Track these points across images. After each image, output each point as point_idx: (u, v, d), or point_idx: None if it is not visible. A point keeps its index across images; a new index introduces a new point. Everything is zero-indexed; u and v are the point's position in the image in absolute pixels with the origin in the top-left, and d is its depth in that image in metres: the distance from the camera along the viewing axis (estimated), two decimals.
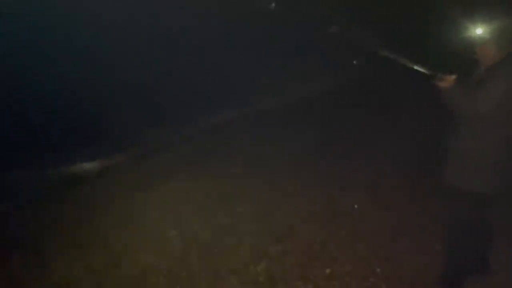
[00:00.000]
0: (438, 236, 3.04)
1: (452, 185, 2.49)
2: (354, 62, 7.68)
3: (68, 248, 3.31)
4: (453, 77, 2.31)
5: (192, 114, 6.38)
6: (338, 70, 8.11)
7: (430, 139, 3.03)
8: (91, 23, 6.45)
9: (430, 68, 2.38)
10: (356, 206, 3.80)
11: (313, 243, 3.26)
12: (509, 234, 3.16)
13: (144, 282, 2.88)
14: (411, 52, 2.48)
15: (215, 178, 4.52)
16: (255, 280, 2.89)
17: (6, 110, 5.50)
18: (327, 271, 2.95)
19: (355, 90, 7.40)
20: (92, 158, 5.03)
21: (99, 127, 5.63)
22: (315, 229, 3.45)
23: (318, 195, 4.02)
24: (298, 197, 4.00)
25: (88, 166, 4.94)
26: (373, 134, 5.50)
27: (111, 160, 5.09)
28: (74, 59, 6.39)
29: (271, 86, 7.35)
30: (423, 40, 7.04)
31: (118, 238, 3.39)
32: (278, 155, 5.04)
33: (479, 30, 2.32)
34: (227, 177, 4.53)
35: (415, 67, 2.41)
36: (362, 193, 4.02)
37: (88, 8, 6.64)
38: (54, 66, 6.20)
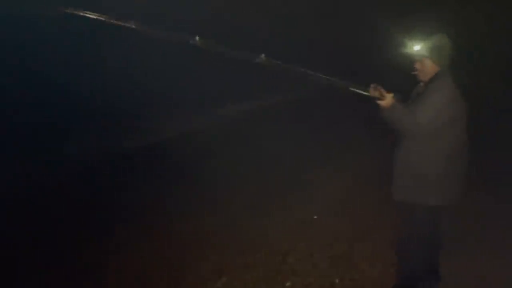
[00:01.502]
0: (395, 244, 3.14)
1: (397, 198, 2.60)
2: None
3: None
4: (391, 94, 2.42)
5: None
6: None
7: (381, 152, 3.16)
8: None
9: (366, 88, 2.46)
10: (315, 216, 3.89)
11: (274, 256, 3.32)
12: (457, 244, 3.32)
13: None
14: (349, 71, 2.54)
15: None
16: None
17: None
18: (288, 284, 3.01)
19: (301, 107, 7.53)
20: None
21: None
22: (276, 242, 3.51)
23: (279, 206, 4.09)
24: (260, 209, 4.04)
25: None
26: (326, 149, 5.59)
27: None
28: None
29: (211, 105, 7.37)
30: (362, 57, 7.30)
31: None
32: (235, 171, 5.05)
33: (416, 47, 2.42)
34: None
35: (352, 89, 2.49)
36: (321, 203, 4.12)
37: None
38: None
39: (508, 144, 5.27)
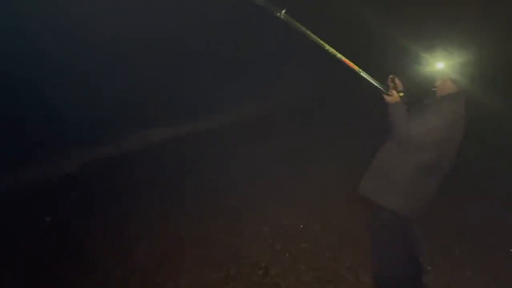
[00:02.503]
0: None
1: (362, 192, 2.57)
2: None
3: None
4: (400, 94, 2.38)
5: None
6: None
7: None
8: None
9: (386, 89, 2.41)
10: (301, 226, 3.79)
11: (256, 268, 3.21)
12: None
13: None
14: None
15: None
16: None
17: None
18: None
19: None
20: None
21: None
22: (258, 253, 3.40)
23: (261, 217, 3.98)
24: (241, 221, 3.93)
25: None
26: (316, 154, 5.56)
27: None
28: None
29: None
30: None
31: None
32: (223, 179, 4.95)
33: (440, 65, 2.37)
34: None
35: (376, 84, 2.42)
36: (305, 213, 4.03)
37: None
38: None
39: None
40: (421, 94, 2.53)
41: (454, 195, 4.12)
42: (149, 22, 6.38)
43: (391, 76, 2.44)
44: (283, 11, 2.35)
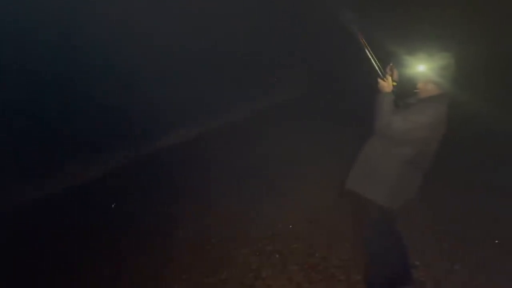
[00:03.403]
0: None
1: (348, 187, 2.63)
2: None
3: None
4: (394, 83, 2.43)
5: None
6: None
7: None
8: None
9: (384, 75, 2.44)
10: (291, 226, 3.80)
11: (247, 271, 3.21)
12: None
13: None
14: None
15: None
16: None
17: None
18: None
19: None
20: None
21: None
22: (249, 255, 3.40)
23: (252, 218, 3.98)
24: (232, 223, 3.93)
25: None
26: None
27: None
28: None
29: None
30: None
31: None
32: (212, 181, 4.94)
33: (421, 67, 2.38)
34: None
35: (376, 66, 2.44)
36: (294, 213, 4.04)
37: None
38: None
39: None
40: (403, 94, 2.56)
41: (440, 189, 4.18)
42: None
43: (391, 64, 2.47)
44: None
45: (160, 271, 3.29)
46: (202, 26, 7.09)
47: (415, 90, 2.47)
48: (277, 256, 3.38)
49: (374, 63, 2.43)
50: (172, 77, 6.56)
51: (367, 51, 2.43)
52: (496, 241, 3.48)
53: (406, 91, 2.50)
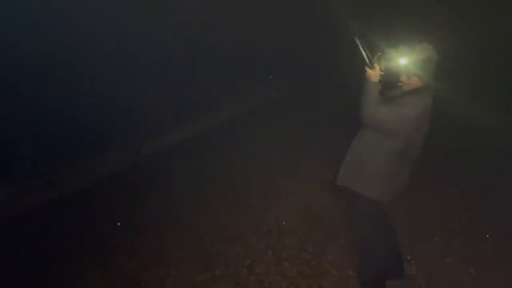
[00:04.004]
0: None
1: (340, 183, 2.67)
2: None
3: None
4: (381, 73, 2.44)
5: None
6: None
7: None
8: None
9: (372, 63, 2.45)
10: (284, 222, 3.82)
11: (240, 268, 3.22)
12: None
13: None
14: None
15: None
16: None
17: None
18: None
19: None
20: None
21: None
22: (243, 252, 3.41)
23: (245, 215, 3.99)
24: (226, 220, 3.93)
25: None
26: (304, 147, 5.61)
27: None
28: None
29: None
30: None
31: None
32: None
33: (403, 61, 2.40)
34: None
35: (365, 54, 2.45)
36: (287, 209, 4.05)
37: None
38: None
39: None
40: (388, 86, 2.58)
41: (430, 183, 4.23)
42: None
43: (379, 53, 2.47)
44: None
45: (152, 268, 3.28)
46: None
47: (399, 83, 2.49)
48: (270, 252, 3.39)
49: (363, 51, 2.44)
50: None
51: (356, 39, 2.44)
52: (487, 236, 3.53)
53: (390, 83, 2.53)
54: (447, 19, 6.63)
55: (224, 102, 7.19)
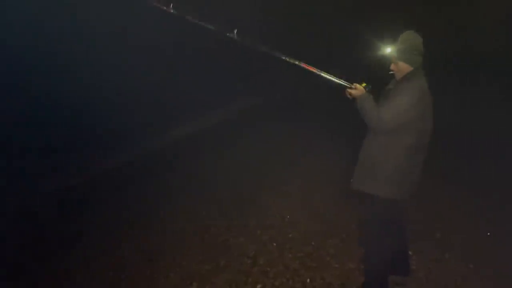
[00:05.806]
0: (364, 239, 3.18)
1: (354, 187, 2.67)
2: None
3: None
4: (363, 85, 2.51)
5: None
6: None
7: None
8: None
9: (349, 81, 2.54)
10: (288, 216, 3.89)
11: (245, 259, 3.29)
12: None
13: None
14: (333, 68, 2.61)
15: None
16: None
17: None
18: (259, 286, 2.99)
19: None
20: None
21: None
22: (247, 243, 3.48)
23: (250, 208, 4.06)
24: (230, 213, 4.01)
25: None
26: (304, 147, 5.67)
27: None
28: None
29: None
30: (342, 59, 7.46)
31: None
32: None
33: (388, 49, 2.49)
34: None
35: (337, 80, 2.55)
36: (290, 203, 4.13)
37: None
38: None
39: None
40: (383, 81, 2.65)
41: (432, 180, 4.26)
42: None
43: (353, 84, 2.54)
44: (235, 31, 2.53)
45: (158, 259, 3.36)
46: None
47: (390, 73, 2.55)
48: (274, 244, 3.46)
49: (336, 80, 2.54)
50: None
51: (323, 75, 2.55)
52: (488, 234, 3.58)
53: (382, 76, 2.60)
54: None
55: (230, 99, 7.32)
